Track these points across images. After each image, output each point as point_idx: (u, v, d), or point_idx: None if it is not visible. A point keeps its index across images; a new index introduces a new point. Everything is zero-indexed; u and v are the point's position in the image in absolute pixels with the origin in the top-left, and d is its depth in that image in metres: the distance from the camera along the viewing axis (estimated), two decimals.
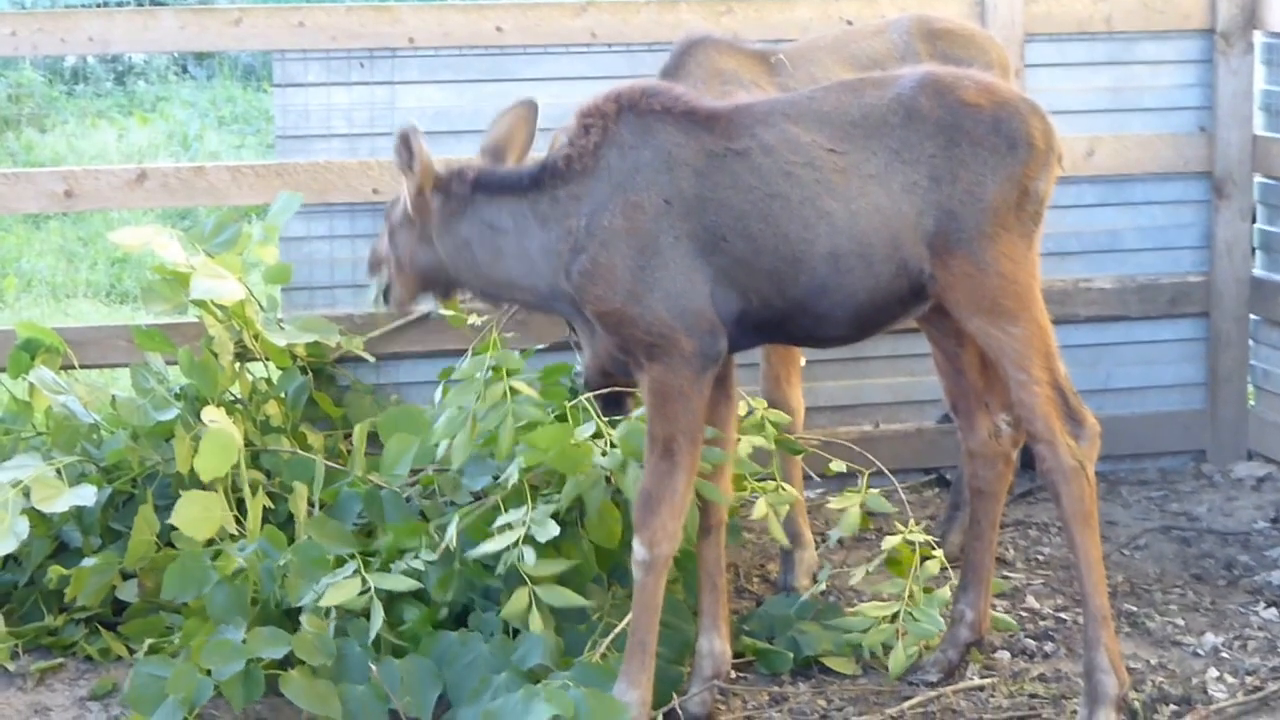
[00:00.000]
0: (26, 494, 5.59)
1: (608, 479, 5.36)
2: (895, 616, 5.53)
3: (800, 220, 4.88)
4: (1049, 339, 5.00)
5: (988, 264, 4.90)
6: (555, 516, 5.29)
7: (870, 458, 5.94)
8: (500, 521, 5.30)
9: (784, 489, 5.67)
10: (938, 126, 4.90)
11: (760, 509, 5.60)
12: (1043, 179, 4.97)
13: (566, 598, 5.24)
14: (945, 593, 5.69)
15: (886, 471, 5.92)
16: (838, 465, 5.93)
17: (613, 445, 5.37)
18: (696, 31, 6.12)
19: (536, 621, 5.18)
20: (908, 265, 4.91)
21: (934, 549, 5.68)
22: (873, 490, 5.79)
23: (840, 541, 6.51)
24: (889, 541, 5.67)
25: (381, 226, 5.46)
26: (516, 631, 5.26)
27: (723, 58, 5.93)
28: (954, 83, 4.98)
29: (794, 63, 6.03)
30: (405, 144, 5.13)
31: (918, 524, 5.77)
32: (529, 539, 5.20)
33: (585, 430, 5.38)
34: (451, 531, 5.36)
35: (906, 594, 5.56)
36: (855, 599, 6.09)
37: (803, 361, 6.31)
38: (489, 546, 5.24)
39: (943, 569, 5.68)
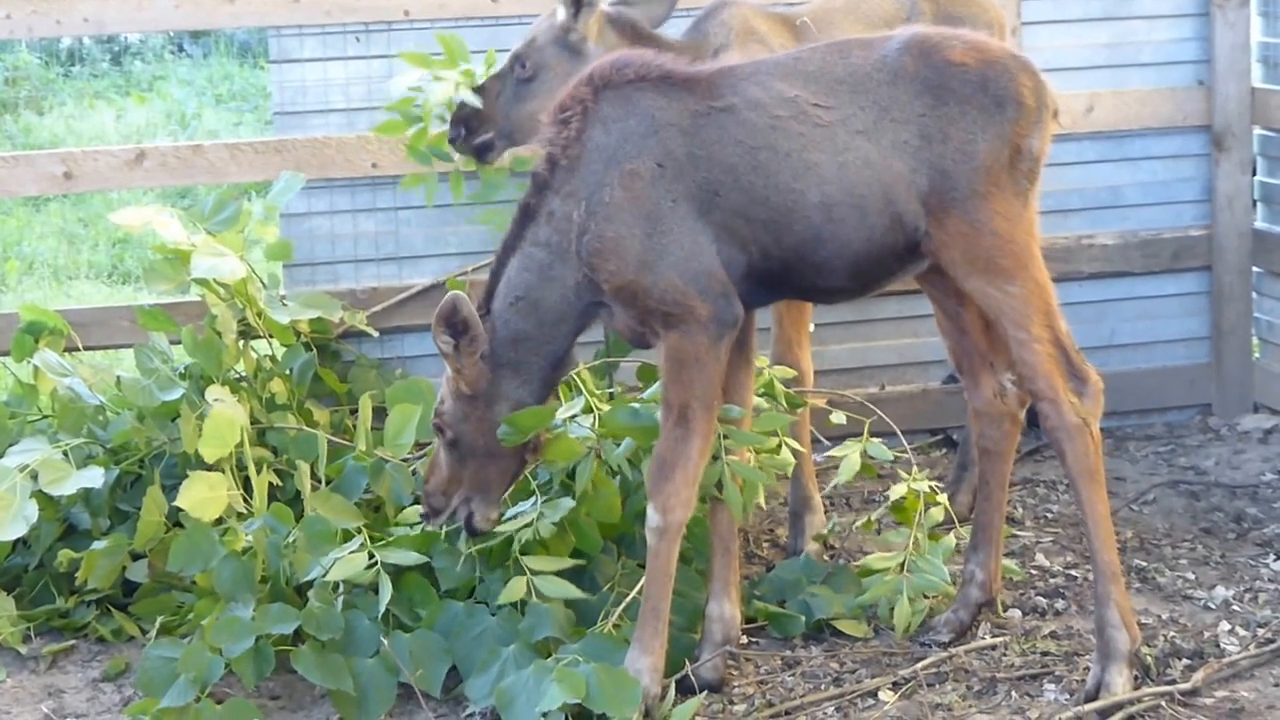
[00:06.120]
0: (34, 477, 5.60)
1: (598, 455, 5.38)
2: (901, 566, 5.53)
3: (789, 170, 4.89)
4: (1049, 297, 4.99)
5: (982, 223, 4.90)
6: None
7: (877, 410, 5.93)
8: (509, 513, 5.36)
9: (788, 444, 5.65)
10: (924, 86, 4.92)
11: (749, 460, 5.55)
12: (1035, 136, 4.97)
13: (562, 589, 5.24)
14: (950, 540, 5.68)
15: (898, 431, 5.91)
16: (838, 417, 5.90)
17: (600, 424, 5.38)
18: None
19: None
20: (903, 220, 4.92)
21: (937, 494, 5.67)
22: (874, 439, 5.76)
23: (847, 502, 6.49)
24: (895, 490, 5.66)
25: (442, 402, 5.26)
26: (524, 604, 5.27)
27: (754, 18, 5.98)
28: (941, 42, 4.99)
29: (817, 25, 6.05)
30: (454, 321, 5.03)
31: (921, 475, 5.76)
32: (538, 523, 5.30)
33: (573, 408, 5.39)
34: (462, 540, 5.41)
35: (912, 541, 5.56)
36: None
37: (811, 327, 6.30)
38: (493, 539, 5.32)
39: (947, 516, 5.68)
